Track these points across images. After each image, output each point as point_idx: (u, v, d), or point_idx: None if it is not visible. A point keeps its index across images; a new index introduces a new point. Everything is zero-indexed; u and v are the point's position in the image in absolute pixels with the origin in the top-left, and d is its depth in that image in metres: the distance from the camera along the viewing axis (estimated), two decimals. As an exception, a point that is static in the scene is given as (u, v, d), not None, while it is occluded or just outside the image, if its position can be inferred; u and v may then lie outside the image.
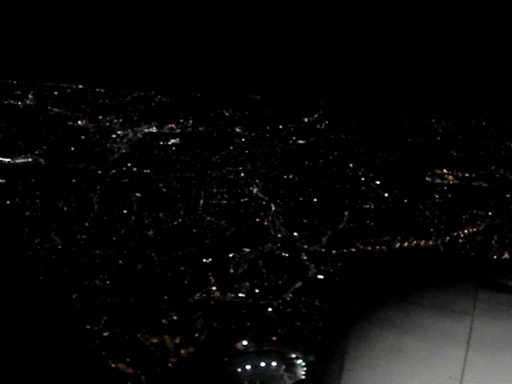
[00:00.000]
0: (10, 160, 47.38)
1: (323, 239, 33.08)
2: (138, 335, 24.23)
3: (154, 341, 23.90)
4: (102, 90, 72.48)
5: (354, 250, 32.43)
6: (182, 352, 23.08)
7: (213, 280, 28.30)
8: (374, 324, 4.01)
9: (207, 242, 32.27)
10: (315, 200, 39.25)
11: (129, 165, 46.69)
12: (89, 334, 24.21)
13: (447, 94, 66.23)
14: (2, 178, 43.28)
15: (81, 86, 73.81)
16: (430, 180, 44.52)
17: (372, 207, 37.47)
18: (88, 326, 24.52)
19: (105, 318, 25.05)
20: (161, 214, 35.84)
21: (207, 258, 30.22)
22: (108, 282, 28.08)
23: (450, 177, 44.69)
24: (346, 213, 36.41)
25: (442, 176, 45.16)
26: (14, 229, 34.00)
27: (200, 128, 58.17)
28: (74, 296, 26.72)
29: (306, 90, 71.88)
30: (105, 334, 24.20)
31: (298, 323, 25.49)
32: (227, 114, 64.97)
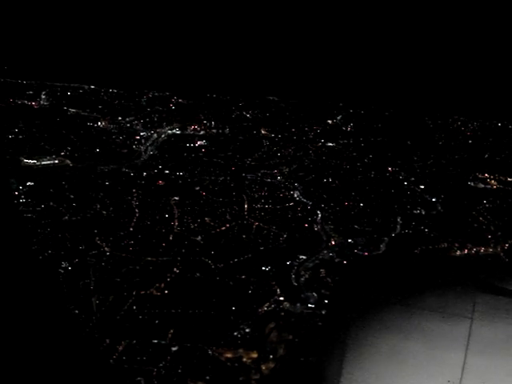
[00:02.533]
0: (35, 162, 45.56)
1: (381, 246, 31.54)
2: (210, 350, 22.54)
3: (229, 355, 22.28)
4: (115, 91, 70.93)
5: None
6: (263, 368, 21.47)
7: (278, 290, 26.69)
8: (372, 327, 3.84)
9: (262, 248, 30.60)
10: (361, 205, 37.75)
11: (160, 167, 45.03)
12: (157, 349, 22.47)
13: (469, 97, 65.30)
14: (31, 181, 41.44)
15: (92, 87, 72.33)
16: (472, 184, 43.24)
17: (423, 213, 35.97)
18: (155, 341, 22.78)
19: (171, 330, 23.31)
20: (207, 219, 34.16)
21: (266, 266, 28.66)
22: (166, 292, 26.36)
23: (493, 181, 43.40)
24: (399, 218, 34.87)
25: (484, 180, 43.92)
26: (55, 234, 32.22)
27: (225, 130, 56.58)
28: (133, 307, 24.92)
29: (322, 92, 70.81)
30: (174, 349, 22.48)
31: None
32: (248, 116, 63.59)
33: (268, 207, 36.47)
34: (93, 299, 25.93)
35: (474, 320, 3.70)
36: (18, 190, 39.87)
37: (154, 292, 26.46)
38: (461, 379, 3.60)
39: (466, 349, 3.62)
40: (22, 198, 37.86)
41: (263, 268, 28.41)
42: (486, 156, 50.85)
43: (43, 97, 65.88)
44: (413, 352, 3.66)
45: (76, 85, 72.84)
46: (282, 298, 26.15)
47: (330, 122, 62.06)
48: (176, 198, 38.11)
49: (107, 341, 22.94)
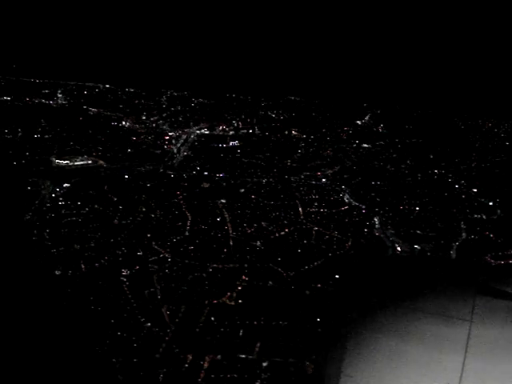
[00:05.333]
0: (68, 162, 43.65)
1: (451, 252, 30.01)
2: (304, 365, 20.86)
3: (325, 372, 20.47)
4: (132, 90, 69.26)
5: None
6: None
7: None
8: (372, 329, 4.18)
9: (330, 255, 28.99)
10: (417, 209, 36.22)
11: (198, 168, 43.32)
12: (246, 365, 20.77)
13: (497, 98, 64.24)
14: (67, 182, 39.55)
15: (108, 86, 70.66)
16: (523, 188, 41.98)
17: (484, 217, 34.54)
18: (242, 355, 21.06)
19: (258, 344, 21.60)
20: (264, 224, 32.49)
21: (339, 274, 27.00)
22: (240, 301, 24.64)
23: (544, 185, 42.18)
24: (462, 223, 33.40)
25: (534, 183, 42.69)
26: (107, 239, 30.43)
27: (255, 130, 54.99)
28: (211, 318, 23.19)
29: (344, 92, 69.61)
30: (264, 364, 20.76)
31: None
32: (274, 116, 62.10)
33: (323, 211, 34.81)
34: (163, 310, 24.14)
35: (473, 322, 3.80)
36: (55, 192, 37.97)
37: (228, 302, 24.69)
38: (460, 381, 3.71)
39: (465, 351, 3.75)
40: (61, 201, 35.96)
41: (337, 276, 26.74)
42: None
43: (60, 96, 63.97)
44: (412, 354, 3.80)
45: (91, 84, 71.17)
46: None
47: (358, 122, 60.65)
48: (223, 201, 36.39)
49: (189, 357, 21.14)
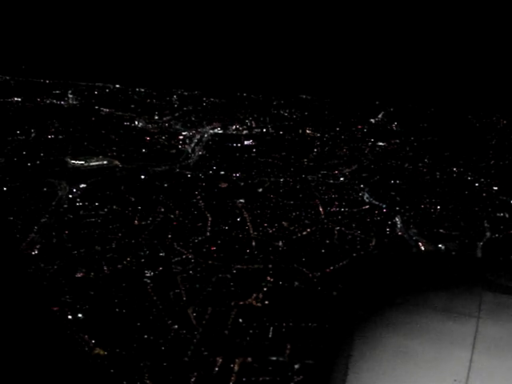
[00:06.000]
0: (83, 163, 43.37)
1: (477, 251, 29.55)
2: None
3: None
4: (143, 90, 68.97)
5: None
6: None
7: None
8: (379, 327, 3.57)
9: (354, 254, 28.58)
10: (438, 207, 35.76)
11: (214, 168, 42.97)
12: (278, 368, 20.39)
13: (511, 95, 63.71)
14: (83, 183, 39.25)
15: (118, 86, 70.41)
16: (544, 185, 41.41)
17: (507, 216, 34.05)
18: (273, 357, 20.69)
19: (288, 346, 21.22)
20: (284, 224, 32.10)
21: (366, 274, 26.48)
22: (267, 302, 24.27)
23: None
24: (485, 222, 32.93)
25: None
26: (128, 240, 30.10)
27: (268, 129, 54.60)
28: (239, 320, 22.84)
29: (354, 90, 69.17)
30: (296, 367, 20.40)
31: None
32: (287, 115, 61.69)
33: (344, 211, 34.38)
34: (189, 311, 23.79)
35: (481, 319, 3.59)
36: (72, 192, 37.69)
37: (254, 303, 24.31)
38: (467, 378, 3.46)
39: (473, 348, 3.49)
40: (79, 202, 35.64)
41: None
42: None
43: (70, 96, 63.72)
44: (419, 351, 3.51)
45: (100, 84, 70.93)
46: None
47: (372, 121, 60.18)
48: (242, 201, 36.03)
49: (219, 360, 20.77)
